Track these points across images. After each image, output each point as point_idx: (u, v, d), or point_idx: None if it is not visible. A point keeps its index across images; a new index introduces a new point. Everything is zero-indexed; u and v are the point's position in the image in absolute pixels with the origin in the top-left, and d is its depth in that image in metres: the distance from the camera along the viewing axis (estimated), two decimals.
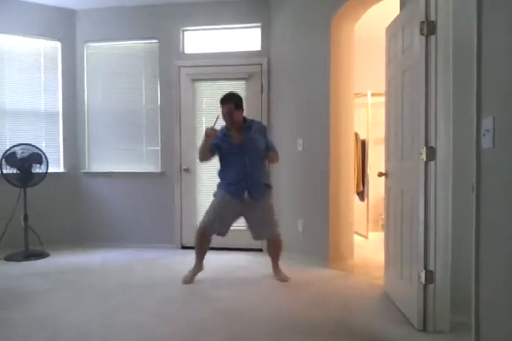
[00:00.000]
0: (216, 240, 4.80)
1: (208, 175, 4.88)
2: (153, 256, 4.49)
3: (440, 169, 2.56)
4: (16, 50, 4.83)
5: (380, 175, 3.39)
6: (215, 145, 3.52)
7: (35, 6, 4.82)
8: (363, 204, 5.44)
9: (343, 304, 3.15)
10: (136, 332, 2.68)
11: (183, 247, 4.95)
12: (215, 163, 4.82)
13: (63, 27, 5.03)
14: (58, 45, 5.03)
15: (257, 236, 3.79)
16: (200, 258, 3.71)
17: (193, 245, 4.86)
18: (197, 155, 4.82)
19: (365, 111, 5.35)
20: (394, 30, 3.20)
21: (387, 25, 3.37)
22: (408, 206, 2.87)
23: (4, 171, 4.43)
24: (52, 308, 3.06)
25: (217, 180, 4.82)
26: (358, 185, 5.27)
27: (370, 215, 5.46)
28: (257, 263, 4.28)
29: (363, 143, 5.42)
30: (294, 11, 4.41)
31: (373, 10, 4.18)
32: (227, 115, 3.55)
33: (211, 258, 4.44)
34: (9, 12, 4.72)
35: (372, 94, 5.31)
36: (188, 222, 4.93)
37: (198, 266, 3.71)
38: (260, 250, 4.77)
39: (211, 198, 4.81)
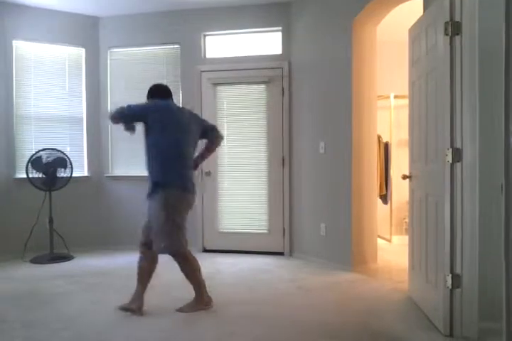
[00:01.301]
0: (237, 243, 4.83)
1: (229, 179, 4.90)
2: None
3: (466, 170, 2.51)
4: (41, 57, 4.94)
5: (404, 177, 3.35)
6: None
7: (60, 13, 4.93)
8: (386, 207, 5.36)
9: (367, 308, 3.11)
10: (158, 335, 2.69)
11: (205, 250, 4.96)
12: (237, 167, 4.89)
13: (87, 34, 5.12)
14: (82, 51, 5.12)
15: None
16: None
17: (215, 248, 4.93)
18: (219, 159, 4.91)
19: (388, 114, 5.29)
20: (417, 31, 3.16)
21: (409, 26, 3.33)
22: (433, 209, 2.82)
23: (30, 175, 4.52)
24: (76, 310, 3.09)
25: (235, 183, 4.90)
26: (381, 188, 5.20)
27: (394, 219, 5.38)
28: (279, 267, 4.26)
29: (386, 146, 5.36)
30: (314, 13, 4.40)
31: (395, 11, 4.14)
32: None
33: (232, 262, 4.47)
34: (35, 20, 4.83)
35: (395, 97, 5.25)
36: (210, 226, 4.95)
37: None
38: (281, 253, 4.75)
39: (232, 201, 4.90)
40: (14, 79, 4.76)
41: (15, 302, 3.28)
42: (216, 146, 3.40)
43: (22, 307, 3.18)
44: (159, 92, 3.19)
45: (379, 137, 4.97)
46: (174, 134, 2.98)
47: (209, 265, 4.35)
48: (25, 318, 2.94)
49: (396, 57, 5.12)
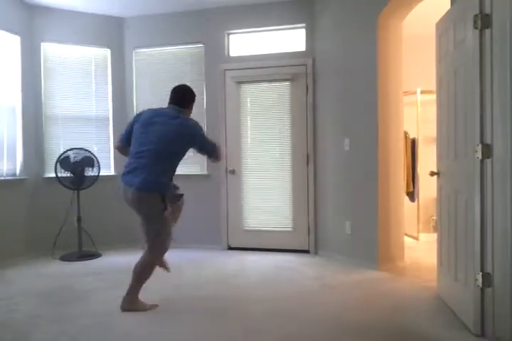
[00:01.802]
0: (262, 241, 4.84)
1: (254, 177, 4.90)
2: (201, 256, 4.54)
3: (497, 167, 2.44)
4: (68, 58, 5.03)
5: (432, 174, 3.29)
6: None
7: (86, 15, 5.01)
8: (413, 204, 5.29)
9: (395, 306, 3.07)
10: (185, 331, 2.71)
11: (230, 248, 4.98)
12: (261, 164, 4.88)
13: (113, 34, 5.20)
14: (108, 52, 5.20)
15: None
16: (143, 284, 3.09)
17: (240, 246, 4.95)
18: (243, 157, 4.91)
19: (415, 110, 5.21)
20: (445, 25, 3.10)
21: (436, 21, 3.27)
22: (463, 206, 2.77)
23: (59, 174, 4.62)
24: (104, 306, 3.15)
25: (260, 181, 4.88)
26: (408, 185, 5.13)
27: (421, 216, 5.30)
28: (303, 265, 4.25)
29: (413, 142, 5.28)
30: (338, 9, 4.36)
31: (422, 5, 4.06)
32: None
33: (257, 260, 4.48)
34: (62, 22, 4.92)
35: (422, 92, 5.17)
36: (235, 224, 4.97)
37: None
38: (306, 251, 4.73)
39: (257, 199, 4.90)
40: (42, 80, 4.87)
41: (47, 298, 3.36)
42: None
43: (54, 303, 3.25)
44: (170, 97, 3.17)
45: (406, 133, 4.90)
46: (138, 136, 3.03)
47: (234, 262, 4.38)
48: (57, 313, 3.02)
49: (422, 51, 5.03)
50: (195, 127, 3.06)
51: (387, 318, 2.86)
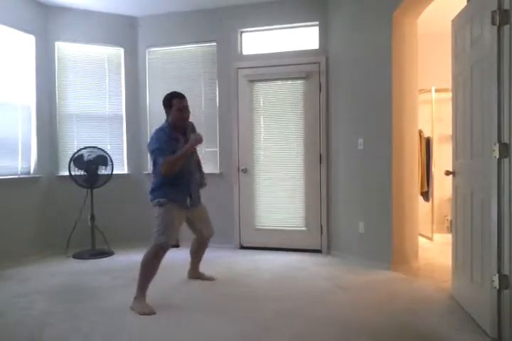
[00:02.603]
0: (274, 240, 4.82)
1: (266, 176, 4.89)
2: (213, 255, 4.52)
3: None
4: (82, 57, 5.06)
5: (448, 173, 3.24)
6: (173, 151, 3.11)
7: (100, 14, 5.04)
8: (428, 204, 5.22)
9: (409, 307, 3.03)
10: (197, 330, 2.71)
11: (242, 247, 4.97)
12: (274, 163, 4.86)
13: (126, 33, 5.21)
14: (121, 51, 5.21)
15: (207, 234, 3.59)
16: (148, 283, 3.14)
17: (252, 245, 4.93)
18: (255, 156, 4.90)
19: (429, 108, 5.14)
20: (461, 22, 3.04)
21: (451, 18, 3.22)
22: (479, 206, 2.72)
23: (72, 173, 4.65)
24: (118, 304, 3.15)
25: (272, 180, 4.85)
26: (422, 184, 5.07)
27: (435, 216, 5.24)
28: (316, 265, 4.22)
29: (428, 141, 5.21)
30: (353, 7, 4.32)
31: (437, 3, 4.00)
32: (182, 110, 3.25)
33: (269, 259, 4.46)
34: (76, 22, 4.95)
35: (437, 90, 5.10)
36: (247, 223, 4.95)
37: (145, 292, 3.13)
38: (319, 251, 4.70)
39: (269, 198, 4.87)
40: (56, 79, 4.91)
41: (61, 296, 3.38)
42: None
43: (68, 300, 3.27)
44: None
45: (420, 132, 4.84)
46: None
47: (246, 262, 4.37)
48: (70, 311, 3.03)
49: (436, 49, 4.98)
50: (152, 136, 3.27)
51: (400, 320, 2.82)
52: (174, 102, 3.24)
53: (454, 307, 3.00)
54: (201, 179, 3.58)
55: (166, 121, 3.30)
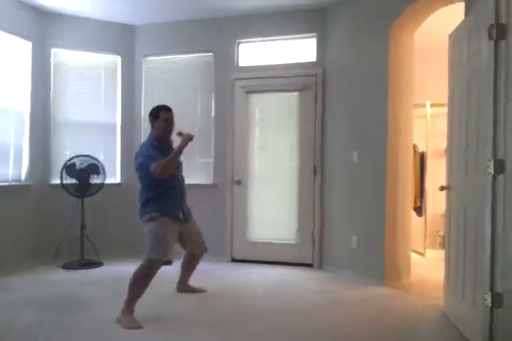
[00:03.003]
0: (266, 253, 4.75)
1: (259, 188, 4.85)
2: (204, 268, 4.41)
3: (510, 182, 2.37)
4: (78, 65, 5.03)
5: (442, 188, 3.21)
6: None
7: (97, 22, 5.03)
8: (420, 220, 5.19)
9: (401, 324, 2.99)
10: None
11: (234, 260, 4.91)
12: (268, 175, 4.83)
13: (123, 42, 5.21)
14: (118, 59, 5.20)
15: (200, 249, 3.55)
16: (137, 298, 3.04)
17: (244, 258, 4.87)
18: (250, 168, 4.86)
19: (424, 123, 5.14)
20: (458, 36, 3.05)
21: (448, 32, 3.23)
22: (472, 222, 2.69)
23: (64, 181, 4.59)
24: (106, 315, 3.08)
25: (267, 193, 4.81)
26: (415, 199, 5.04)
27: (428, 232, 5.20)
28: (308, 279, 4.17)
29: (422, 156, 5.19)
30: (350, 20, 4.34)
31: (433, 17, 4.03)
32: (168, 122, 3.26)
33: (261, 272, 4.41)
34: (73, 29, 4.94)
35: (432, 105, 5.10)
36: (239, 235, 4.90)
37: (134, 306, 3.03)
38: (310, 265, 4.64)
39: (262, 211, 4.83)
40: (52, 85, 4.87)
41: (49, 307, 3.31)
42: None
43: (55, 311, 3.20)
44: None
45: (414, 147, 4.83)
46: None
47: (238, 275, 4.31)
48: (58, 322, 2.97)
49: (432, 64, 4.99)
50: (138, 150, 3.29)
51: (394, 336, 2.78)
52: (161, 114, 3.27)
53: (446, 325, 2.95)
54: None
55: (149, 135, 3.32)
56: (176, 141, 3.26)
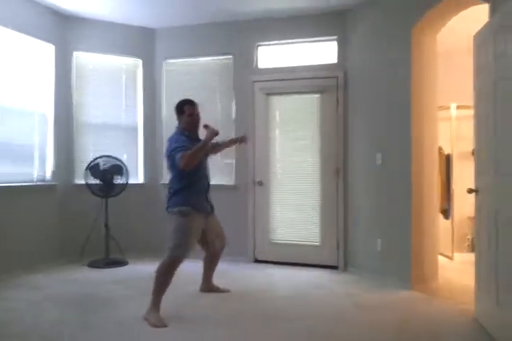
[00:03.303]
0: (289, 255, 4.73)
1: (282, 189, 4.83)
2: (227, 269, 4.44)
3: None
4: (100, 68, 5.08)
5: (470, 191, 3.15)
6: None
7: (119, 25, 5.07)
8: (447, 223, 5.10)
9: (429, 330, 2.93)
10: None
11: (256, 261, 4.89)
12: (290, 177, 4.80)
13: (144, 45, 5.24)
14: (139, 62, 5.23)
15: (222, 243, 3.57)
16: (162, 294, 3.08)
17: (266, 259, 4.85)
18: (271, 169, 4.85)
19: (449, 125, 5.06)
20: (484, 37, 3.00)
21: (472, 33, 3.18)
22: (505, 225, 2.64)
23: (88, 182, 4.63)
24: (130, 314, 3.11)
25: (290, 194, 4.79)
26: (442, 202, 4.96)
27: (455, 235, 5.11)
28: (332, 282, 4.13)
29: (448, 158, 5.11)
30: (372, 22, 4.30)
31: (457, 19, 3.97)
32: (193, 116, 3.31)
33: (284, 274, 4.38)
34: (95, 32, 4.99)
35: (457, 107, 5.03)
36: (261, 236, 4.88)
37: (159, 303, 3.07)
38: (335, 267, 4.60)
39: (285, 212, 4.81)
40: (74, 88, 4.92)
41: (74, 305, 3.34)
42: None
43: (81, 309, 3.24)
44: None
45: (440, 149, 4.76)
46: None
47: (261, 277, 4.29)
48: (83, 321, 2.99)
49: (456, 66, 4.93)
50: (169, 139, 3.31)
51: None
52: (185, 108, 3.32)
53: (478, 332, 2.88)
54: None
55: (177, 127, 3.37)
56: (202, 133, 3.28)
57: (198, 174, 3.25)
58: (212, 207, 3.45)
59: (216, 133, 3.16)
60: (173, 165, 3.21)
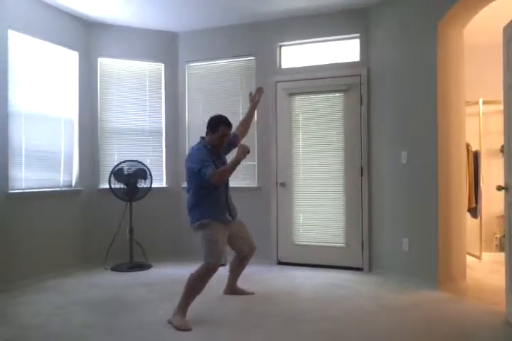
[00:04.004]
0: (313, 257, 4.68)
1: (305, 190, 4.79)
2: (250, 271, 4.39)
3: None
4: (123, 73, 5.15)
5: (500, 188, 3.05)
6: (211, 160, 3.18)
7: (140, 30, 5.13)
8: (475, 221, 4.96)
9: (459, 331, 2.86)
10: None
11: (280, 263, 4.86)
12: (313, 177, 4.76)
13: (166, 49, 5.29)
14: (162, 66, 5.28)
15: (250, 248, 3.56)
16: (191, 301, 3.10)
17: (290, 261, 4.81)
18: (294, 170, 4.82)
19: (476, 121, 4.93)
20: None
21: (500, 27, 3.08)
22: None
23: (112, 186, 4.69)
24: (154, 318, 3.12)
25: (313, 195, 4.75)
26: (470, 200, 4.83)
27: (484, 234, 4.97)
28: (358, 283, 4.06)
29: (475, 155, 4.97)
30: (396, 17, 4.23)
31: (484, 12, 3.87)
32: (224, 138, 3.30)
33: (308, 276, 4.34)
34: (117, 38, 5.06)
35: (484, 102, 4.89)
36: (285, 238, 4.85)
37: (186, 309, 3.08)
38: (360, 269, 4.53)
39: (308, 213, 4.76)
40: (99, 94, 5.00)
41: (99, 309, 3.37)
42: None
43: (106, 313, 3.27)
44: None
45: (468, 146, 4.63)
46: None
47: (285, 279, 4.26)
48: (109, 324, 3.02)
49: (484, 60, 4.81)
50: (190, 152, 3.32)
51: None
52: (221, 129, 3.27)
53: (510, 333, 2.79)
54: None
55: (203, 138, 3.35)
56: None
57: (219, 186, 3.23)
58: (235, 214, 3.43)
59: (248, 152, 3.15)
60: (190, 177, 3.23)
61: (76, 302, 3.52)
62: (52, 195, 4.41)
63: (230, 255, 3.63)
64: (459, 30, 4.01)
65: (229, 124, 3.30)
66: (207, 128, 3.33)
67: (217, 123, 3.28)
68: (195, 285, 3.08)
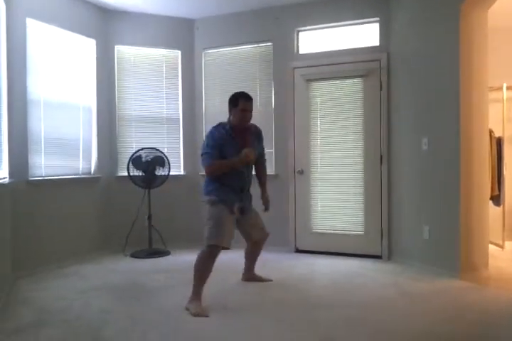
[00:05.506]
0: (331, 244, 4.65)
1: (323, 177, 4.75)
2: (268, 258, 4.41)
3: None
4: (141, 60, 5.14)
5: None
6: (220, 145, 3.15)
7: (158, 17, 5.11)
8: (498, 209, 4.86)
9: (481, 319, 2.81)
10: (253, 335, 2.62)
11: (298, 251, 4.85)
12: (331, 164, 4.71)
13: (183, 36, 5.25)
14: (179, 53, 5.25)
15: (261, 235, 3.52)
16: (203, 284, 3.10)
17: (308, 249, 4.80)
18: (312, 157, 4.77)
19: (500, 107, 4.80)
20: None
21: None
22: None
23: (131, 173, 4.71)
24: (172, 303, 3.14)
25: (331, 182, 4.70)
26: (492, 188, 4.72)
27: (507, 222, 4.87)
28: (377, 271, 4.03)
29: (499, 141, 4.85)
30: (416, 1, 4.11)
31: None
32: (246, 112, 3.22)
33: (326, 264, 4.32)
34: (134, 25, 5.05)
35: (508, 88, 4.75)
36: (303, 226, 4.83)
37: (200, 293, 3.08)
38: (379, 257, 4.49)
39: (326, 200, 4.73)
40: (116, 81, 5.01)
41: (118, 294, 3.41)
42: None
43: (125, 299, 3.30)
44: None
45: (490, 132, 4.52)
46: None
47: (303, 266, 4.25)
48: (128, 309, 3.05)
49: (508, 44, 4.66)
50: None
51: (474, 333, 2.61)
52: (240, 102, 3.22)
53: None
54: (263, 177, 3.60)
55: (228, 118, 3.31)
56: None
57: (228, 173, 3.20)
58: (247, 207, 3.35)
59: (248, 162, 3.17)
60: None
61: (97, 288, 3.57)
62: (72, 182, 4.45)
63: (244, 241, 3.61)
64: (482, 12, 3.88)
65: (248, 98, 3.26)
66: (228, 106, 3.28)
67: (236, 99, 3.24)
68: (201, 267, 3.08)
